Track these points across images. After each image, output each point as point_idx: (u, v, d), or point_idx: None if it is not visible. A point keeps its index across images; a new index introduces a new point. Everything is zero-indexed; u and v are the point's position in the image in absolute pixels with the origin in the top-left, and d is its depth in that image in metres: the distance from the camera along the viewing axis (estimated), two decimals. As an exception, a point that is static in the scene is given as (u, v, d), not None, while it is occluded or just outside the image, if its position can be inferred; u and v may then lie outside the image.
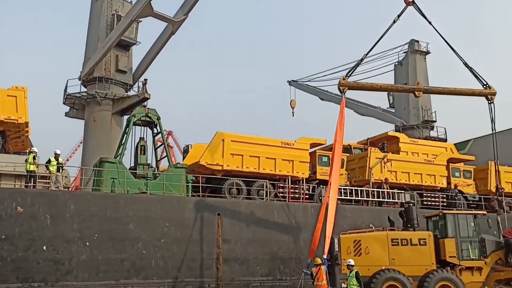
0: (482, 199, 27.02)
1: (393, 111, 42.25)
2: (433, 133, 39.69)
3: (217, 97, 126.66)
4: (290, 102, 40.73)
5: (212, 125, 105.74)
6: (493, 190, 27.34)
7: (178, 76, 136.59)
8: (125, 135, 21.63)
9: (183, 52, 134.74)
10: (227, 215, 20.40)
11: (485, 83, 21.38)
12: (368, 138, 29.03)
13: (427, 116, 39.86)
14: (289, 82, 44.26)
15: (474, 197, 27.51)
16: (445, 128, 40.10)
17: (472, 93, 21.54)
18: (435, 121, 40.20)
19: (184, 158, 25.42)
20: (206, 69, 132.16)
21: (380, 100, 44.33)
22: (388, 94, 43.30)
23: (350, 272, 15.60)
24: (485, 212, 20.02)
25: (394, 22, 21.34)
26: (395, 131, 38.30)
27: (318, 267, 15.69)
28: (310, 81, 44.05)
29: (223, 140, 22.08)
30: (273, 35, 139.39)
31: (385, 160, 25.59)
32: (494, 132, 21.50)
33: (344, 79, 20.26)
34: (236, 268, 19.88)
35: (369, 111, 42.64)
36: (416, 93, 21.50)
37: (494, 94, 21.25)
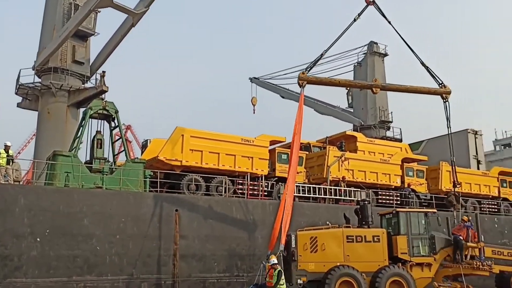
0: (434, 198, 28.03)
1: (352, 111, 43.20)
2: (389, 133, 40.88)
3: (179, 92, 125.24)
4: (251, 99, 40.86)
5: (172, 120, 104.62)
6: (444, 189, 28.52)
7: (138, 69, 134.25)
8: (81, 128, 21.02)
9: (144, 45, 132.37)
10: (185, 211, 20.22)
11: (440, 82, 22.10)
12: (327, 137, 29.50)
13: (384, 117, 40.98)
14: (251, 79, 44.39)
15: (426, 196, 28.50)
16: (400, 129, 41.44)
17: (428, 92, 22.21)
18: (391, 122, 41.40)
19: (142, 153, 25.00)
20: (167, 64, 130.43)
21: (339, 99, 45.26)
22: (347, 94, 44.25)
23: (275, 271, 15.58)
24: (435, 210, 20.79)
25: (355, 20, 21.73)
26: (353, 130, 39.12)
27: (271, 265, 15.69)
28: (272, 79, 44.38)
29: (182, 135, 21.84)
30: (237, 31, 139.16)
31: (343, 158, 26.08)
32: (449, 128, 22.28)
33: (303, 73, 20.45)
34: (193, 264, 19.76)
35: (329, 110, 43.40)
36: (374, 89, 21.92)
37: (449, 93, 22.00)
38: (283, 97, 45.04)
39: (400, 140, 38.87)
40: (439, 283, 18.74)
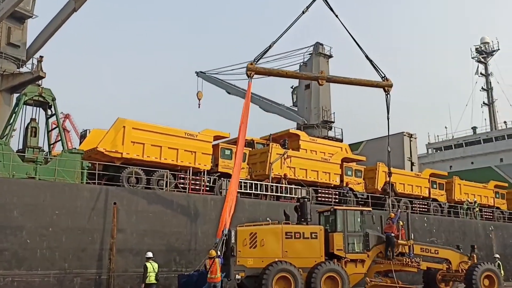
0: (370, 197, 29.16)
1: (296, 109, 43.89)
2: (331, 133, 41.94)
3: (124, 84, 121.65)
4: (197, 93, 40.47)
5: (114, 111, 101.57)
6: (379, 189, 29.72)
7: (81, 57, 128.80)
8: (14, 114, 19.93)
9: (87, 32, 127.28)
10: (124, 205, 19.73)
11: (383, 75, 22.77)
12: (270, 134, 29.81)
13: (327, 117, 42.00)
14: (197, 73, 43.94)
15: (363, 195, 29.59)
16: (342, 129, 42.63)
17: (371, 84, 22.82)
18: (333, 122, 42.50)
19: (81, 143, 24.08)
20: (112, 53, 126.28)
21: (285, 98, 45.84)
22: (292, 92, 44.94)
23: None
24: (370, 209, 21.63)
25: (303, 13, 21.85)
26: (297, 129, 39.80)
27: (213, 259, 15.73)
28: (219, 74, 44.15)
29: (124, 127, 21.25)
30: (185, 24, 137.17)
31: (285, 156, 26.47)
32: (388, 120, 22.96)
33: (252, 64, 20.53)
34: (130, 259, 19.34)
35: (273, 108, 43.84)
36: (320, 81, 22.40)
37: (390, 86, 22.69)
38: (229, 93, 44.95)
39: (341, 140, 39.95)
40: (371, 279, 19.54)
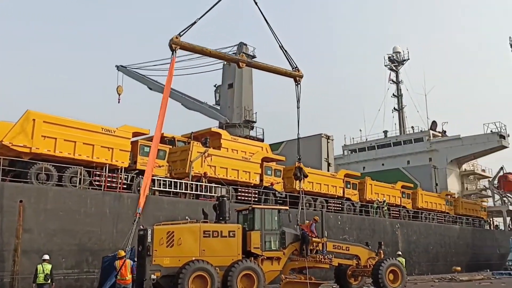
0: (288, 196, 29.94)
1: (219, 108, 43.91)
2: (252, 133, 42.45)
3: (35, 73, 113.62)
4: (117, 88, 39.12)
5: (24, 103, 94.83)
6: (297, 188, 30.60)
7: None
8: None
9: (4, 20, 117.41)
10: (32, 203, 18.57)
11: (295, 66, 24.10)
12: (192, 132, 29.54)
13: (249, 117, 42.45)
14: (117, 67, 42.50)
15: (282, 194, 30.31)
16: (263, 129, 43.30)
17: (285, 73, 24.20)
18: (255, 122, 43.03)
19: (-17, 136, 22.20)
20: (23, 41, 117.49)
21: (207, 96, 45.67)
22: (215, 91, 44.90)
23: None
24: (287, 208, 22.23)
25: None
26: (219, 127, 39.78)
27: (123, 260, 15.23)
28: (140, 69, 43.02)
29: (34, 120, 19.96)
30: (106, 16, 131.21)
31: (206, 154, 26.38)
32: (298, 109, 24.04)
33: (177, 37, 20.30)
34: (37, 260, 18.13)
35: (196, 106, 43.55)
36: (240, 64, 23.26)
37: (301, 76, 24.23)
38: (150, 89, 43.94)
39: (262, 140, 40.56)
40: (286, 276, 20.07)
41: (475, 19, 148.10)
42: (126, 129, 23.22)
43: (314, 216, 22.30)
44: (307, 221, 21.27)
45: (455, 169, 55.31)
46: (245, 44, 43.14)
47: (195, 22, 20.85)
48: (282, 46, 23.67)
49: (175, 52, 20.27)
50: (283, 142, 44.27)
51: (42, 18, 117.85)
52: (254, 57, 43.71)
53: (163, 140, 26.12)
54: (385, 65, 61.43)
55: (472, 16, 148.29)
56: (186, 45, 20.96)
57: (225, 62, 43.10)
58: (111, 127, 22.63)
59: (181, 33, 20.51)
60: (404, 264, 23.66)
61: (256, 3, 23.07)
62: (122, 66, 42.68)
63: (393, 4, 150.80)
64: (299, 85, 24.12)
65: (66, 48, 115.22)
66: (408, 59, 61.17)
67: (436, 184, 51.41)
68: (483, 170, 58.65)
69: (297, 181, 24.33)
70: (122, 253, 15.42)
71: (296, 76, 24.06)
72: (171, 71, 20.40)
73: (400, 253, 27.73)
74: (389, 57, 61.42)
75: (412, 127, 57.95)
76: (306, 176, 25.02)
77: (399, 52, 61.55)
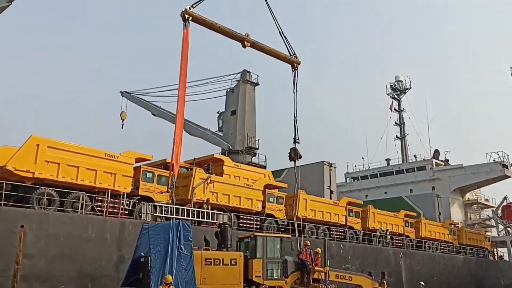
0: (290, 223, 29.70)
1: (221, 134, 44.09)
2: (255, 159, 42.49)
3: (42, 97, 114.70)
4: (121, 114, 39.53)
5: (29, 128, 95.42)
6: (300, 216, 30.42)
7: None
8: None
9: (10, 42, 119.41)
10: (33, 228, 18.46)
11: (293, 52, 25.25)
12: (194, 158, 29.59)
13: (251, 143, 42.55)
14: (122, 93, 43.00)
15: (284, 222, 30.11)
16: (265, 156, 43.34)
17: (284, 58, 25.55)
18: (257, 148, 43.13)
19: (-13, 160, 22.29)
20: (27, 64, 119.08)
21: (210, 123, 45.92)
22: (218, 117, 45.19)
23: None
24: (289, 236, 22.06)
25: None
26: (221, 154, 39.85)
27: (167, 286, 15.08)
28: (144, 95, 43.48)
29: (38, 145, 20.08)
30: (112, 41, 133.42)
31: (209, 181, 26.37)
32: (295, 93, 24.77)
33: (190, 8, 21.01)
34: (36, 286, 18.00)
35: (199, 132, 43.75)
36: (245, 42, 24.26)
37: (299, 63, 25.66)
38: (154, 115, 44.33)
39: (265, 167, 40.58)
40: (288, 305, 19.74)
41: (478, 50, 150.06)
42: (129, 155, 23.32)
43: (309, 243, 21.92)
44: (304, 250, 20.97)
45: (458, 198, 54.99)
46: (248, 72, 43.72)
47: None
48: (282, 33, 24.93)
49: (188, 23, 20.96)
50: (285, 169, 44.14)
51: (49, 41, 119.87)
52: (257, 84, 44.30)
53: (166, 165, 26.18)
54: (387, 94, 61.95)
55: (475, 47, 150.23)
56: (198, 16, 21.83)
57: (229, 89, 43.67)
58: (114, 153, 22.72)
59: (194, 5, 21.38)
60: None
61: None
62: (126, 92, 43.16)
63: (396, 35, 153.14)
64: (296, 71, 25.38)
65: (70, 74, 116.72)
66: (410, 88, 61.71)
67: (439, 213, 50.96)
68: (487, 200, 58.29)
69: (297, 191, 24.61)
70: (170, 279, 15.28)
71: (294, 62, 25.33)
72: (187, 41, 21.02)
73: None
74: (391, 86, 61.97)
75: (415, 155, 58.01)
76: (300, 157, 25.37)
77: (401, 81, 62.13)
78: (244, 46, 24.71)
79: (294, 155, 24.03)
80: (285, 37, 25.05)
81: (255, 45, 26.04)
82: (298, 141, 24.75)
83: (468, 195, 56.78)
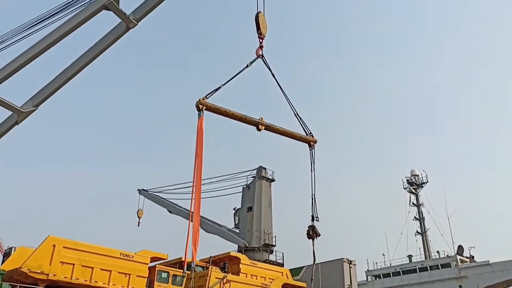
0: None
1: (237, 231, 43.52)
2: (272, 257, 41.36)
3: (56, 196, 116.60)
4: (137, 211, 39.72)
5: (47, 228, 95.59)
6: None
7: (21, 171, 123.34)
8: None
9: (28, 145, 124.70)
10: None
11: (309, 132, 24.93)
12: (210, 257, 28.97)
13: (268, 240, 41.76)
14: (139, 191, 43.56)
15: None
16: (282, 253, 42.22)
17: (300, 137, 25.11)
18: (274, 246, 42.19)
19: (3, 262, 22.14)
20: (51, 167, 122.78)
21: (226, 219, 45.59)
22: (234, 214, 44.95)
23: None
24: None
25: (247, 66, 23.24)
26: (238, 251, 39.04)
27: None
28: (161, 192, 43.96)
29: (54, 245, 20.06)
30: (127, 142, 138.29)
31: (225, 281, 25.58)
32: (313, 171, 24.07)
33: (204, 99, 21.18)
34: None
35: (215, 229, 43.30)
36: (260, 126, 24.02)
37: (315, 141, 25.23)
38: (170, 212, 44.38)
39: (282, 265, 39.41)
40: None
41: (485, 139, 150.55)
42: (145, 254, 23.03)
43: None
44: None
45: (488, 297, 51.74)
46: (264, 168, 44.25)
47: (219, 88, 22.22)
48: (296, 113, 24.84)
49: (202, 112, 21.37)
50: (303, 266, 42.70)
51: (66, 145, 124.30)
52: (273, 180, 44.58)
53: (180, 264, 25.63)
54: (404, 188, 61.43)
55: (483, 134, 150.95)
56: (212, 106, 22.09)
57: (245, 186, 43.93)
58: (129, 252, 22.49)
59: (207, 96, 21.86)
60: None
61: (273, 75, 24.51)
62: (144, 190, 43.74)
63: (408, 129, 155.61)
64: (313, 150, 25.03)
65: (88, 168, 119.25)
66: (427, 181, 61.21)
67: (470, 313, 47.79)
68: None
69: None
70: None
71: (310, 141, 25.06)
72: (201, 129, 21.19)
73: None
74: (407, 180, 61.63)
75: (438, 251, 55.83)
76: (319, 235, 24.04)
77: (417, 175, 61.87)
78: (259, 129, 25.05)
79: (312, 232, 23.32)
80: (300, 118, 25.18)
81: (269, 128, 25.90)
82: (317, 219, 24.10)
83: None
